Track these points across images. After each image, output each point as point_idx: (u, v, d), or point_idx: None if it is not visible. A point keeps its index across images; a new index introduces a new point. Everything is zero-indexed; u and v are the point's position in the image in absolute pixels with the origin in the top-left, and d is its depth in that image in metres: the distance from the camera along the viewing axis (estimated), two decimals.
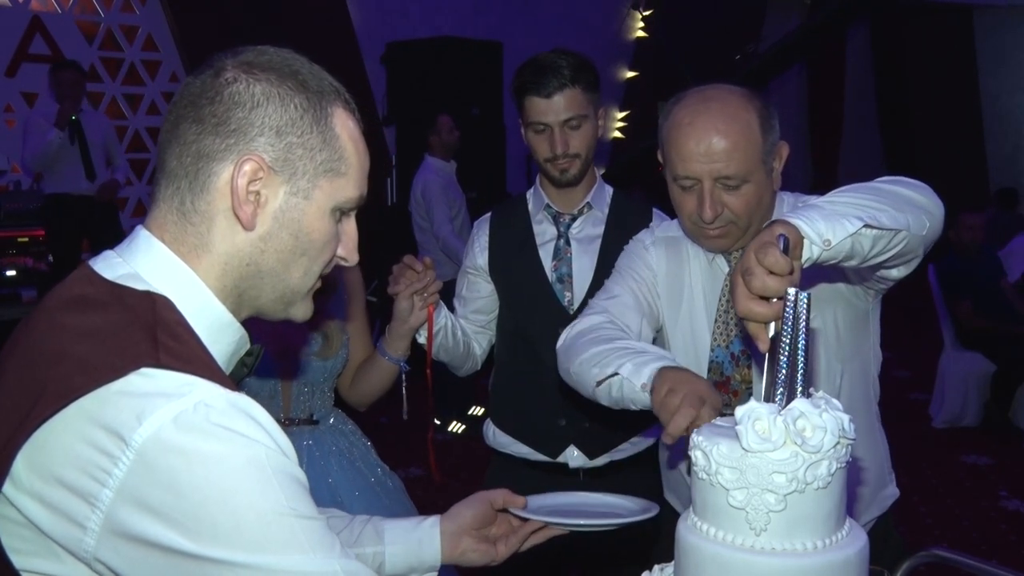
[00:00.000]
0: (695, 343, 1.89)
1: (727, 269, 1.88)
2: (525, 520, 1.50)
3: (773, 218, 1.82)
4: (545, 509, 1.55)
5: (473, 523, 1.48)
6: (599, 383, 1.64)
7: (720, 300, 1.87)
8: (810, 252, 1.30)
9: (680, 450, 1.96)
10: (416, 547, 1.44)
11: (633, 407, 1.61)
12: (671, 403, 1.41)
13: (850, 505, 1.11)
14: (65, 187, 6.21)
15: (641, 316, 1.88)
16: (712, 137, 1.69)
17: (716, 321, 1.87)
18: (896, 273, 1.65)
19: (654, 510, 1.53)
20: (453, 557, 1.46)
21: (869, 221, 1.36)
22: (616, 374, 1.59)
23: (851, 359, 1.84)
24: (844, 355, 1.82)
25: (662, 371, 1.50)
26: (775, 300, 1.21)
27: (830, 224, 1.31)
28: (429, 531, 1.45)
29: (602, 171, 2.66)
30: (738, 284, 1.23)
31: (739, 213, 1.74)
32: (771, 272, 1.20)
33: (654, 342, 1.93)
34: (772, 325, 1.20)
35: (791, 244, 1.26)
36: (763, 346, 1.20)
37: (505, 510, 1.51)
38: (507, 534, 1.51)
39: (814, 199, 1.44)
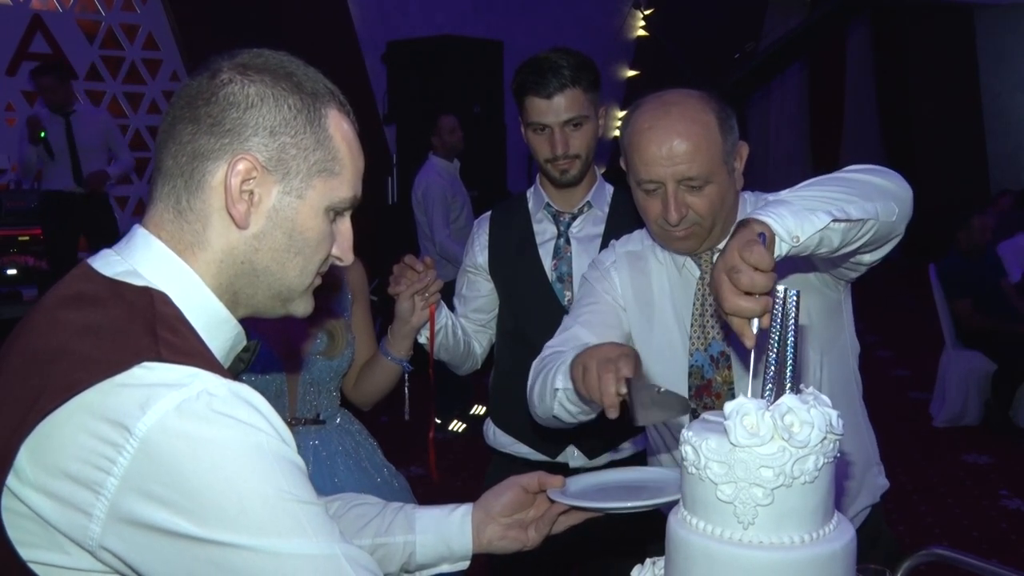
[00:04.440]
0: (672, 351, 1.89)
1: (697, 274, 1.89)
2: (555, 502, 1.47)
3: (738, 218, 1.83)
4: (586, 490, 1.50)
5: (502, 511, 1.46)
6: (555, 415, 1.73)
7: (694, 304, 1.88)
8: (779, 249, 1.34)
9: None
10: (447, 537, 1.43)
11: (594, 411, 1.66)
12: (590, 380, 1.45)
13: (837, 499, 1.12)
14: (58, 184, 6.24)
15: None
16: (673, 140, 1.72)
17: (692, 326, 1.88)
18: (868, 258, 1.67)
19: None
20: (481, 547, 1.45)
21: (837, 215, 1.38)
22: (557, 389, 1.67)
23: (829, 350, 1.85)
24: (821, 346, 1.84)
25: (571, 362, 1.55)
26: (759, 296, 1.23)
27: (799, 220, 1.34)
28: (460, 521, 1.44)
29: (603, 170, 2.66)
30: (723, 282, 1.25)
31: (704, 213, 1.76)
32: (756, 268, 1.23)
33: None
34: (756, 321, 1.22)
35: (767, 241, 1.29)
36: (749, 342, 1.22)
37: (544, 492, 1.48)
38: (541, 517, 1.48)
39: (780, 195, 1.47)
